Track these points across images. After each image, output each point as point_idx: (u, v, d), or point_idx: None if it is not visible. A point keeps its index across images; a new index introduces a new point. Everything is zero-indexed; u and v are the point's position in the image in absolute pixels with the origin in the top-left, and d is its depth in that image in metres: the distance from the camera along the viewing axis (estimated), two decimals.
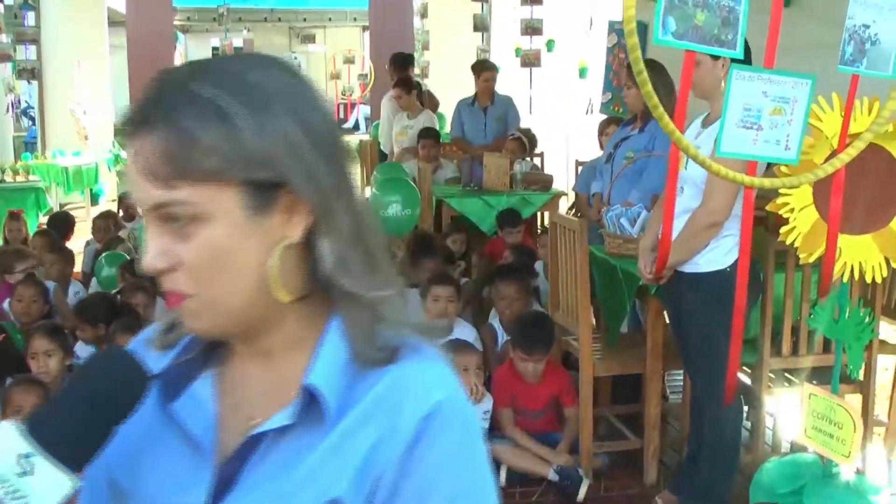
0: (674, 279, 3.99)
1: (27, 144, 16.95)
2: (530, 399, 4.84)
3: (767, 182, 2.93)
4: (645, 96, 2.24)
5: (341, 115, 27.77)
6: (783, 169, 3.39)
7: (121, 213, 9.98)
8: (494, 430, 4.76)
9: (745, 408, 4.45)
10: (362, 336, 1.17)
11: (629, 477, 4.64)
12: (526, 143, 8.33)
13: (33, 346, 4.67)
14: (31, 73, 13.83)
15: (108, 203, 16.30)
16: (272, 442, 1.15)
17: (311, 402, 1.13)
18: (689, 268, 3.90)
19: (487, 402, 4.70)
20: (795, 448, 4.37)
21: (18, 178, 12.02)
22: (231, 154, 1.07)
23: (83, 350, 5.53)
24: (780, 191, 3.50)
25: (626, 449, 4.75)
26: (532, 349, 4.71)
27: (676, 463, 4.74)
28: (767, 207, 3.63)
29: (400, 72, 9.90)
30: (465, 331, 5.45)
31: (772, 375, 4.56)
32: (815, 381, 4.15)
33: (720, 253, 3.83)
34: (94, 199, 15.03)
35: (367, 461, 1.11)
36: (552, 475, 4.53)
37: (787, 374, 4.60)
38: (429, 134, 8.79)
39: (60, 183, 13.28)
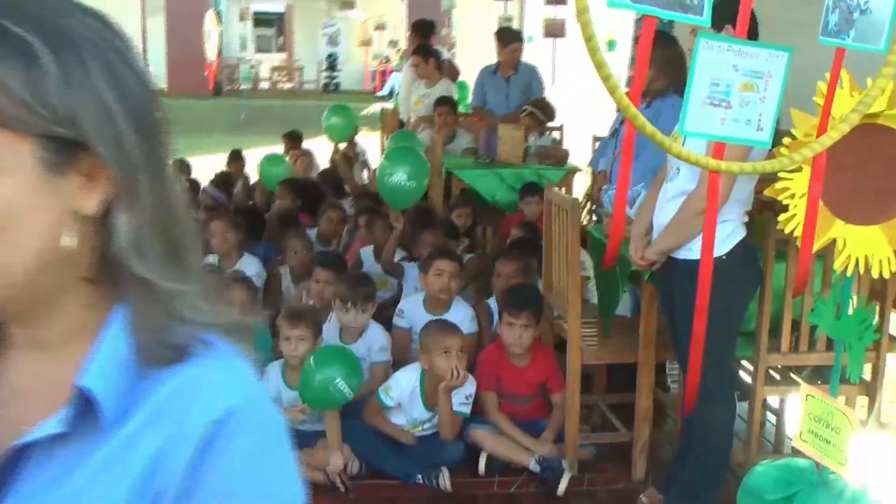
0: (667, 265, 3.71)
1: None
2: (517, 383, 4.59)
3: (735, 167, 2.60)
4: (595, 66, 1.95)
5: (373, 83, 27.57)
6: (783, 151, 3.08)
7: None
8: (477, 415, 4.51)
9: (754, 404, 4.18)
10: (149, 330, 1.02)
11: (617, 471, 4.37)
12: (540, 117, 7.99)
13: None
14: None
15: None
16: (46, 451, 0.99)
17: (86, 405, 0.98)
18: (682, 254, 3.61)
19: (470, 386, 4.45)
20: (795, 452, 4.08)
21: None
22: (33, 102, 0.94)
23: None
24: (780, 175, 3.19)
25: (618, 441, 4.48)
26: (519, 311, 4.48)
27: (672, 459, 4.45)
28: (766, 192, 3.32)
29: (421, 39, 9.61)
30: (462, 309, 5.23)
31: (776, 375, 4.27)
32: (820, 381, 3.86)
33: (716, 239, 3.53)
34: None
35: (149, 471, 0.98)
36: (533, 465, 4.28)
37: (792, 373, 4.31)
38: (444, 102, 8.51)
39: None
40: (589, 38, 1.87)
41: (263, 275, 6.07)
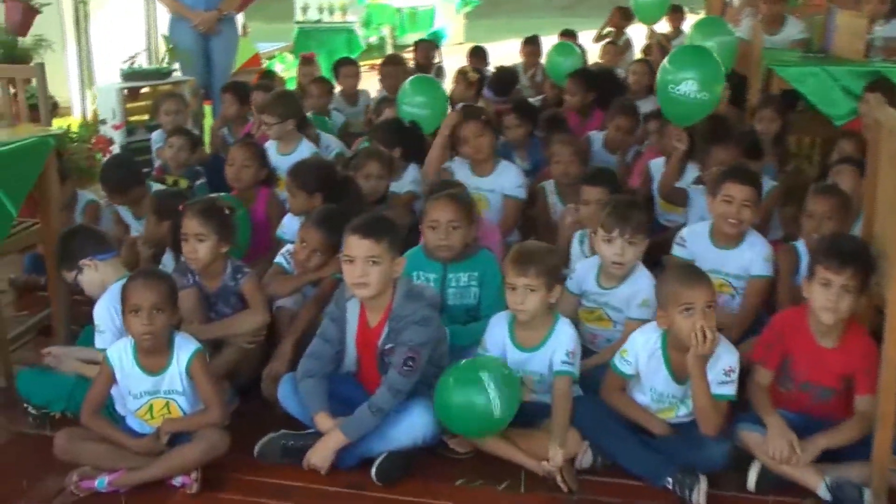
0: None
1: None
2: (816, 367, 3.36)
3: None
4: None
5: None
6: None
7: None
8: (749, 410, 3.38)
9: None
10: None
11: None
12: None
13: (184, 227, 3.88)
14: None
15: (450, 47, 15.66)
16: None
17: None
18: None
19: (728, 356, 3.32)
20: None
21: (335, 18, 11.46)
22: None
23: (293, 223, 4.64)
24: None
25: None
26: (841, 266, 3.23)
27: None
28: None
29: None
30: (756, 246, 4.12)
31: None
32: None
33: None
34: (436, 43, 14.35)
35: None
36: (823, 491, 3.11)
37: None
38: None
39: (394, 25, 12.66)
40: None
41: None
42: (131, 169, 4.98)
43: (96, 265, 3.71)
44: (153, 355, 3.32)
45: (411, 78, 6.23)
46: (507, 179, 5.14)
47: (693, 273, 3.39)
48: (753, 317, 4.05)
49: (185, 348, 3.33)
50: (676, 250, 4.23)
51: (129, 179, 4.86)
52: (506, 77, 7.96)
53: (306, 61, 8.34)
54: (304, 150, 5.64)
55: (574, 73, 6.98)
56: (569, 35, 9.17)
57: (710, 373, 3.26)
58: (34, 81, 4.96)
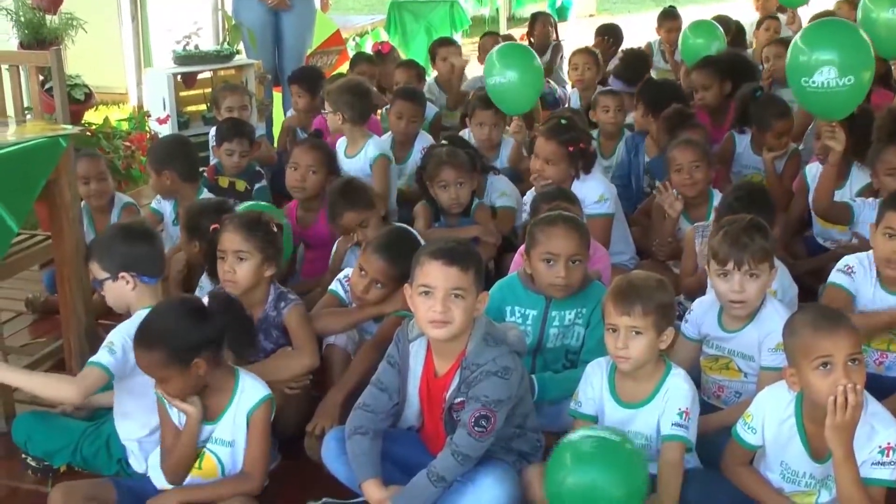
0: None
1: None
2: None
3: None
4: None
5: None
6: None
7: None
8: None
9: None
10: None
11: None
12: None
13: (222, 242, 3.78)
14: None
15: (577, 20, 15.46)
16: None
17: None
18: None
19: (887, 430, 2.95)
20: None
21: None
22: None
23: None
24: None
25: None
26: None
27: None
28: None
29: None
30: None
31: None
32: None
33: None
34: (561, 15, 14.15)
35: None
36: None
37: None
38: None
39: None
40: None
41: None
42: None
43: (136, 284, 3.54)
44: (211, 395, 3.22)
45: (499, 46, 6.07)
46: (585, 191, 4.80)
47: (830, 317, 3.03)
48: None
49: (250, 392, 3.25)
50: (837, 278, 3.82)
51: None
52: (636, 61, 7.59)
53: (381, 56, 7.97)
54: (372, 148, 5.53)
55: (700, 63, 6.56)
56: (671, 16, 8.79)
57: (863, 451, 2.92)
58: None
